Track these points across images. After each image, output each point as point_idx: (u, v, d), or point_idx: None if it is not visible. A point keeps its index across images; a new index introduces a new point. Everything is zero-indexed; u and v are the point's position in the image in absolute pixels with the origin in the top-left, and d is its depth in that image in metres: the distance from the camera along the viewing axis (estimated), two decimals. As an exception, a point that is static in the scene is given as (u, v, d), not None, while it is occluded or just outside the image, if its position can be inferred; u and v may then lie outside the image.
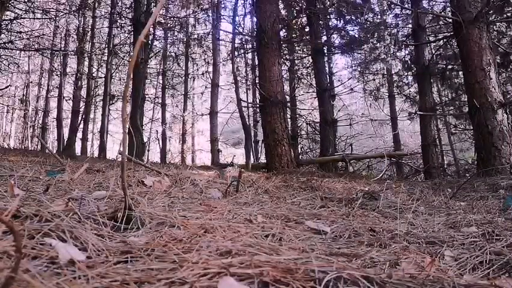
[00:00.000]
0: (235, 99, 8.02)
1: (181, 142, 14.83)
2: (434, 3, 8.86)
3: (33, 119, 16.56)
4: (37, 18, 9.69)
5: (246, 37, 9.25)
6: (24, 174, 1.55)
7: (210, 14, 11.33)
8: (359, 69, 10.37)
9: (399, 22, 8.89)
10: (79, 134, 11.72)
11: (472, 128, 5.26)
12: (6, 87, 12.87)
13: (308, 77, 10.47)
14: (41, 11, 8.99)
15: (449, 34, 7.42)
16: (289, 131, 5.93)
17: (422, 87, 8.29)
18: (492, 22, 6.17)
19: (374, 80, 10.54)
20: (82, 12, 10.59)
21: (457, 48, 5.92)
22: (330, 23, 9.36)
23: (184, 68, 13.43)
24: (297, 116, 9.78)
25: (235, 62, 9.00)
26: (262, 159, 10.12)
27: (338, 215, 1.40)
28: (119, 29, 10.85)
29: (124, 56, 11.46)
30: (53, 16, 9.91)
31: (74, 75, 12.09)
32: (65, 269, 0.60)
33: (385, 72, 10.64)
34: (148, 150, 13.62)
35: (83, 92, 11.67)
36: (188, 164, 12.04)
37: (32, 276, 0.53)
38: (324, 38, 9.56)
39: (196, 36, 11.98)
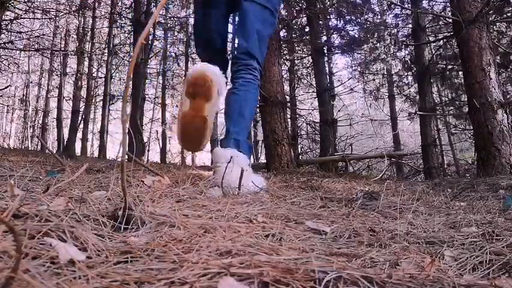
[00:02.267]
0: (235, 99, 8.00)
1: (181, 142, 14.81)
2: (434, 3, 8.87)
3: (33, 119, 16.56)
4: (37, 18, 9.69)
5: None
6: (24, 174, 1.55)
7: (210, 14, 11.31)
8: (359, 69, 10.38)
9: (399, 22, 8.90)
10: (79, 134, 11.72)
11: (472, 128, 5.26)
12: (6, 87, 12.87)
13: (308, 77, 10.46)
14: (41, 11, 8.99)
15: (449, 34, 7.42)
16: (289, 131, 5.94)
17: (422, 87, 8.30)
18: (492, 22, 6.18)
19: (374, 80, 10.54)
20: (82, 12, 10.58)
21: (457, 48, 5.92)
22: (330, 23, 9.35)
23: (184, 68, 13.43)
24: (297, 116, 9.78)
25: (235, 62, 8.98)
26: (262, 159, 10.12)
27: (337, 215, 1.40)
28: (119, 29, 10.85)
29: (124, 56, 11.47)
30: (53, 16, 9.91)
31: (74, 75, 12.10)
32: (65, 269, 0.60)
33: (385, 72, 10.64)
34: (148, 150, 13.63)
35: (83, 92, 11.67)
36: (188, 164, 12.06)
37: (32, 276, 0.53)
38: (324, 38, 9.55)
39: (196, 36, 11.98)
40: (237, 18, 2.15)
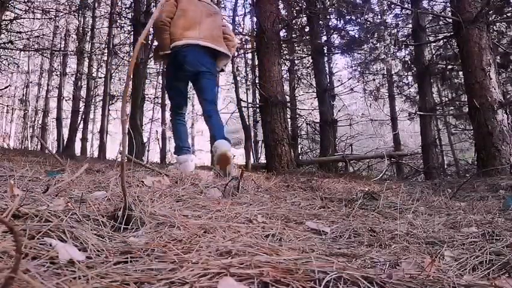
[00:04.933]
0: (235, 99, 8.02)
1: (181, 142, 14.79)
2: (434, 3, 8.86)
3: (33, 119, 16.55)
4: (37, 19, 9.68)
5: (246, 37, 9.24)
6: (24, 174, 1.54)
7: (210, 14, 11.29)
8: (359, 69, 10.37)
9: (399, 22, 8.89)
10: (79, 134, 11.71)
11: (472, 128, 5.26)
12: (6, 87, 12.87)
13: (308, 77, 10.46)
14: (41, 11, 8.98)
15: (449, 34, 7.42)
16: (289, 131, 5.93)
17: (422, 87, 8.29)
18: (492, 22, 6.17)
19: (374, 80, 10.53)
20: (82, 12, 10.58)
21: (457, 48, 5.92)
22: (330, 23, 9.34)
23: (184, 68, 13.37)
24: (297, 116, 9.77)
25: (235, 62, 8.99)
26: (262, 159, 10.11)
27: (337, 215, 1.40)
28: (119, 29, 10.85)
29: (124, 56, 11.45)
30: (53, 16, 9.91)
31: (74, 75, 12.09)
32: (65, 269, 0.60)
33: (385, 73, 10.63)
34: (148, 151, 13.62)
35: (83, 92, 11.66)
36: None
37: (32, 276, 0.53)
38: (324, 38, 9.55)
39: (196, 36, 11.96)
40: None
